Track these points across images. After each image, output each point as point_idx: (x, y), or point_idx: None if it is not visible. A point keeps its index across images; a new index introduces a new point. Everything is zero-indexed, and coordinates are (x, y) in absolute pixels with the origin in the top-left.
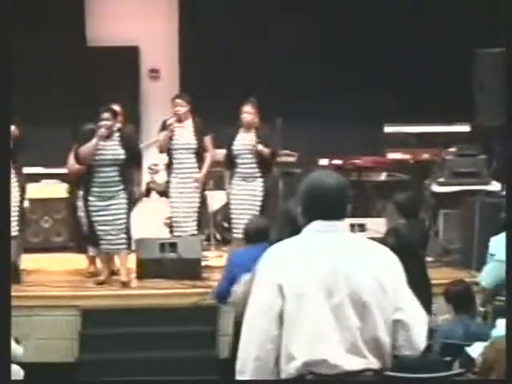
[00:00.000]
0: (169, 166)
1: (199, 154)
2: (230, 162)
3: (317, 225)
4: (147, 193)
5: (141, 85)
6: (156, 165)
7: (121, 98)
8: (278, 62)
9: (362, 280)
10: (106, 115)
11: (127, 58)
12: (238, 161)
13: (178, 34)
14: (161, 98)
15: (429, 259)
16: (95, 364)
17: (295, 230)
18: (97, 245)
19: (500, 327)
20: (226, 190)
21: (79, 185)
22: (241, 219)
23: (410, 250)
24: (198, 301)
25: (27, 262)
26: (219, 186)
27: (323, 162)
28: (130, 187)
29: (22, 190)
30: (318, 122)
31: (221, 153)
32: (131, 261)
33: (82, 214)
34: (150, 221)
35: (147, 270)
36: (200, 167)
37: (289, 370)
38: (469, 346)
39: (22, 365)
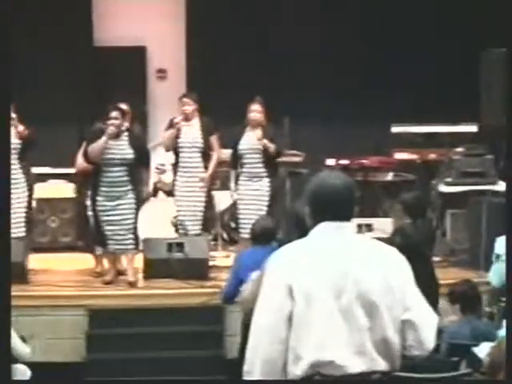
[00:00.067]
0: (175, 166)
1: (205, 153)
2: (236, 161)
3: (325, 226)
4: (154, 193)
5: (148, 85)
6: (163, 165)
7: (128, 98)
8: (286, 62)
9: (370, 281)
10: (114, 114)
11: (134, 59)
12: (244, 160)
13: (184, 34)
14: (168, 97)
15: (436, 259)
16: (102, 364)
17: (304, 231)
18: (104, 245)
19: None
20: (230, 189)
21: (87, 184)
22: (248, 219)
23: (416, 249)
24: (207, 301)
25: (34, 261)
26: (226, 186)
27: (330, 162)
28: (138, 187)
29: (30, 190)
30: (325, 122)
31: (227, 152)
32: (138, 261)
33: (91, 213)
34: (157, 221)
35: (154, 269)
36: (206, 166)
37: (296, 370)
38: (476, 346)
39: (29, 364)
